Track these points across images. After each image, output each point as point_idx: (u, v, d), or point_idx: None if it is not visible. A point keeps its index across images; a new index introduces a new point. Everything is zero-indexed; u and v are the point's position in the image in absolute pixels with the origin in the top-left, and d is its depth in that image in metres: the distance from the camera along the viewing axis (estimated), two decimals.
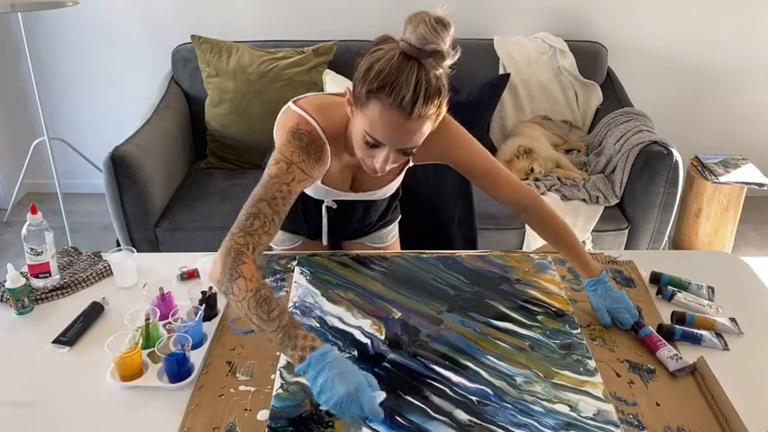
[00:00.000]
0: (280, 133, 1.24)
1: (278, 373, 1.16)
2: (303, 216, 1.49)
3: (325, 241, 1.55)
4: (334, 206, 1.45)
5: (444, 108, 1.11)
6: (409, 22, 1.03)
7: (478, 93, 2.67)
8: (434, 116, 1.09)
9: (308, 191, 1.39)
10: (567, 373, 1.18)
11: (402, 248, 1.72)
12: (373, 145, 1.11)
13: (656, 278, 1.44)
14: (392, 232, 1.69)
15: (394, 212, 1.65)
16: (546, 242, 1.42)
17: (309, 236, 1.59)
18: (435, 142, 1.20)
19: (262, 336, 1.04)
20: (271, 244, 1.66)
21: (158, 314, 1.24)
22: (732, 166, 2.76)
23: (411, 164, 1.38)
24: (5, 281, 1.32)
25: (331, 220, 1.50)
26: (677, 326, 1.28)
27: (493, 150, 2.65)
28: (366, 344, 1.24)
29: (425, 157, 1.30)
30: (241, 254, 1.06)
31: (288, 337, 1.00)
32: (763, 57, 3.01)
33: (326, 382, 0.96)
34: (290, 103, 1.28)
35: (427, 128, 1.10)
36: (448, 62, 1.05)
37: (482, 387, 1.14)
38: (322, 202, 1.44)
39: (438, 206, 1.77)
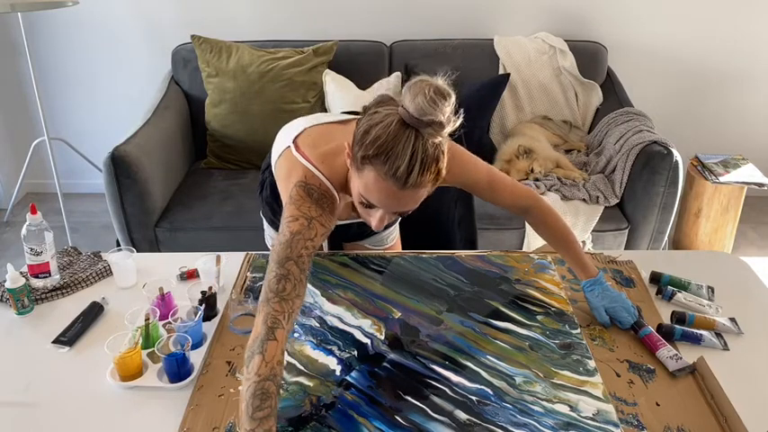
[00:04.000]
0: (285, 184, 1.20)
1: None
2: None
3: (325, 248, 1.56)
4: None
5: (444, 172, 1.07)
6: (409, 89, 0.99)
7: (478, 93, 2.66)
8: (431, 182, 1.06)
9: None
10: (566, 373, 1.18)
11: (402, 249, 1.72)
12: (368, 206, 1.10)
13: (655, 278, 1.44)
14: (392, 234, 1.69)
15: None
16: (545, 241, 1.42)
17: None
18: None
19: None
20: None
21: (158, 314, 1.25)
22: (732, 166, 2.76)
23: None
24: (5, 281, 1.32)
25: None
26: (677, 326, 1.28)
27: (493, 150, 2.64)
28: (366, 344, 1.24)
29: None
30: (277, 323, 1.01)
31: None
32: (763, 57, 3.01)
33: None
34: (290, 145, 1.23)
35: (423, 193, 1.07)
36: (448, 130, 1.01)
37: (482, 387, 1.14)
38: None
39: (438, 206, 1.76)
